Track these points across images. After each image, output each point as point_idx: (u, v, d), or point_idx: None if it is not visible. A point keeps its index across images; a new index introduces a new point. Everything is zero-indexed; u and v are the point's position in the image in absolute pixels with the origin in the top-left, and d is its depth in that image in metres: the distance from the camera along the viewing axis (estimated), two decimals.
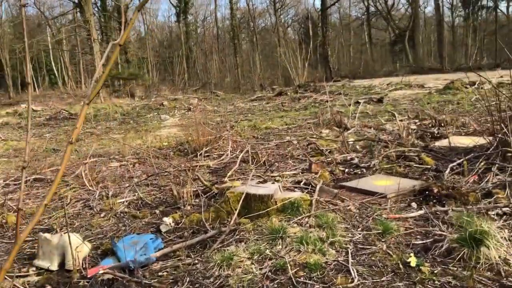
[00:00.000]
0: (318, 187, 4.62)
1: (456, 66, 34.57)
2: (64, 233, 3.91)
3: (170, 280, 3.40)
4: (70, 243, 3.62)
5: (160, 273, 3.56)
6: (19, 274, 3.70)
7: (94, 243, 4.25)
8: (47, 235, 4.00)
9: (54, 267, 3.76)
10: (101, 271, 3.39)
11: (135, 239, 4.04)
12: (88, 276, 3.51)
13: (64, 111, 16.72)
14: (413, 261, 3.14)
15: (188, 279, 3.34)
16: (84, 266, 3.67)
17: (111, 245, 4.00)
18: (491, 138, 5.81)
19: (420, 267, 3.10)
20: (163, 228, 4.48)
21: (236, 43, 37.49)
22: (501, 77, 15.99)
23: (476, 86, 14.99)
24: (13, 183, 6.63)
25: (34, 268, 3.80)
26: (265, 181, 4.73)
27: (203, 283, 3.25)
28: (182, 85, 30.52)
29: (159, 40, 50.02)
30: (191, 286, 3.25)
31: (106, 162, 7.72)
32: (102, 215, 5.12)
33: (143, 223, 4.76)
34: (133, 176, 6.59)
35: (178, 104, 19.20)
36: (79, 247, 3.78)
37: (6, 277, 3.55)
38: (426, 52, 48.81)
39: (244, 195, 4.29)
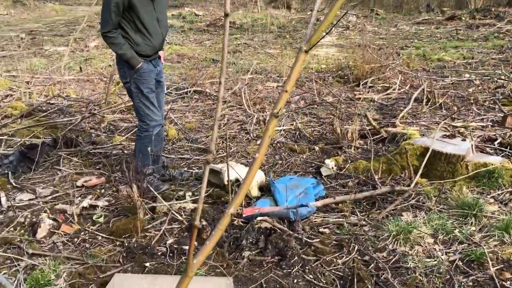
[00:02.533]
0: None
1: None
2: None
3: (334, 242, 2.95)
4: (227, 166, 3.35)
5: (321, 229, 3.14)
6: (176, 197, 3.60)
7: None
8: (212, 165, 3.80)
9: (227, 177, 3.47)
10: (259, 218, 3.07)
11: (295, 182, 3.64)
12: (244, 215, 3.24)
13: (223, 18, 16.80)
14: None
15: (355, 246, 2.86)
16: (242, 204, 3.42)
17: (269, 183, 3.67)
18: None
19: None
20: (324, 172, 4.00)
21: None
22: None
23: None
24: (175, 92, 6.69)
25: (190, 194, 3.67)
26: (453, 136, 3.87)
27: (374, 256, 2.74)
28: None
29: None
30: (359, 257, 2.77)
31: (263, 80, 7.39)
32: (258, 142, 4.83)
33: (301, 159, 4.35)
34: (290, 101, 6.16)
35: (335, 19, 17.98)
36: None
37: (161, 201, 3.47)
38: None
39: (429, 152, 3.53)
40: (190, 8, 19.90)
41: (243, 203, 3.45)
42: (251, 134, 5.02)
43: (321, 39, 1.34)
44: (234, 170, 3.51)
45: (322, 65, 8.72)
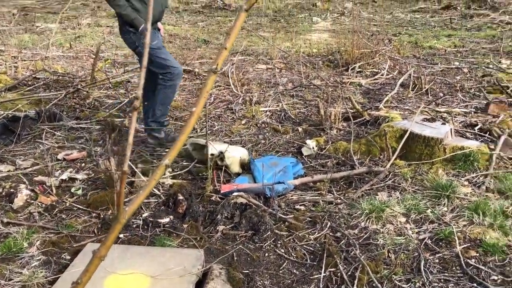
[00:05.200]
0: (502, 139, 3.67)
1: None
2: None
3: (308, 219, 2.99)
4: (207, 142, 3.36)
5: (297, 206, 3.17)
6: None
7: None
8: (193, 139, 3.86)
9: (212, 150, 3.53)
10: (235, 193, 3.10)
11: (274, 160, 3.67)
12: (221, 191, 3.27)
13: (219, 1, 16.67)
14: None
15: (328, 223, 2.90)
16: (220, 179, 3.44)
17: (249, 161, 3.69)
18: None
19: None
20: (305, 152, 4.03)
21: None
22: None
23: None
24: None
25: (170, 170, 3.69)
26: (433, 120, 3.90)
27: (346, 233, 2.78)
28: None
29: None
30: (331, 233, 2.81)
31: (253, 62, 7.38)
32: (243, 122, 4.85)
33: (284, 140, 4.37)
34: (278, 83, 6.16)
35: (332, 6, 17.89)
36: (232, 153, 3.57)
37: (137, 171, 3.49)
38: None
39: (407, 133, 3.56)
40: None
41: (222, 180, 3.48)
42: (237, 114, 5.02)
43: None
44: (213, 146, 3.53)
45: (313, 50, 8.70)
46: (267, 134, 4.54)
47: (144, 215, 3.04)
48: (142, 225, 2.93)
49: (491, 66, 7.18)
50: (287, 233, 2.83)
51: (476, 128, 4.26)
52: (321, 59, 7.78)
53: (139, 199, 1.34)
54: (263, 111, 5.10)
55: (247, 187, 3.27)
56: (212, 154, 3.47)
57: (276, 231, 2.83)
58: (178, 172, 3.63)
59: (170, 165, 3.69)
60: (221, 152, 3.55)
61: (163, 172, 1.35)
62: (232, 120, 4.90)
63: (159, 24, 3.97)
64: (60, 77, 6.01)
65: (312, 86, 6.02)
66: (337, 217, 2.98)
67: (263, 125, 4.77)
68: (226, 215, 2.97)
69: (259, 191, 3.20)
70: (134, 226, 2.93)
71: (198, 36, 9.95)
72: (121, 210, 1.32)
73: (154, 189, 3.35)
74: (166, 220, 2.97)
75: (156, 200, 3.25)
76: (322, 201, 3.20)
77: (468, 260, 2.48)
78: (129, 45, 3.89)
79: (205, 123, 4.46)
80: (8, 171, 3.59)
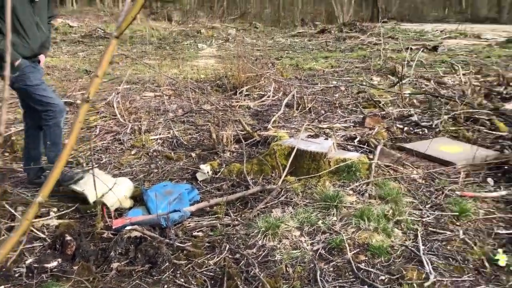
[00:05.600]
0: (379, 149, 4.01)
1: None
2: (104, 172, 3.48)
3: (206, 244, 2.96)
4: (94, 179, 3.17)
5: (194, 233, 3.13)
6: (39, 215, 3.33)
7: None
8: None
9: (91, 197, 3.35)
10: (129, 227, 2.97)
11: (168, 188, 3.59)
12: (113, 227, 3.11)
13: (99, 29, 16.14)
14: (502, 259, 2.58)
15: (227, 246, 2.89)
16: (111, 214, 3.27)
17: (141, 192, 3.57)
18: None
19: None
20: (200, 177, 4.01)
21: None
22: None
23: None
24: None
25: (55, 209, 3.43)
26: (316, 136, 4.14)
27: (244, 254, 2.80)
28: (221, 13, 29.25)
29: None
30: (230, 256, 2.81)
31: (140, 91, 7.23)
32: (133, 152, 4.70)
33: (178, 167, 4.31)
34: (168, 110, 6.09)
35: (216, 33, 18.30)
36: (117, 189, 3.38)
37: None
38: None
39: (294, 150, 3.73)
40: (64, 19, 18.77)
41: (114, 215, 3.31)
42: (125, 144, 4.85)
43: (129, 25, 1.34)
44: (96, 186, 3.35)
45: (201, 75, 8.79)
46: (159, 162, 4.45)
47: (28, 261, 2.77)
48: (26, 272, 2.66)
49: (364, 83, 7.87)
50: (186, 261, 2.77)
51: (356, 140, 4.62)
52: (209, 84, 7.88)
53: (11, 242, 1.22)
54: (154, 139, 5.00)
55: (141, 220, 3.14)
56: (94, 202, 3.31)
57: (175, 261, 2.75)
58: (64, 212, 3.38)
59: (52, 204, 3.46)
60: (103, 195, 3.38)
61: (36, 211, 1.25)
62: (121, 151, 4.72)
63: (41, 56, 3.72)
64: None
65: (202, 111, 6.06)
66: (235, 238, 3.00)
67: (154, 153, 4.66)
68: (120, 251, 2.82)
69: (154, 222, 3.10)
70: (17, 275, 2.65)
71: (79, 67, 9.51)
72: None
73: (39, 232, 3.08)
74: (54, 264, 2.73)
75: (42, 244, 2.98)
76: (220, 224, 3.19)
77: (358, 265, 2.63)
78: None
79: (90, 156, 4.23)
80: None
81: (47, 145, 3.70)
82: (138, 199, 3.59)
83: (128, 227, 2.97)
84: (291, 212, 3.25)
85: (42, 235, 3.06)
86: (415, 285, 2.42)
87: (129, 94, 6.84)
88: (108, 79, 7.88)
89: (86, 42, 14.20)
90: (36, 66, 3.65)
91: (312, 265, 2.66)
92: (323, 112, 5.96)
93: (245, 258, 2.75)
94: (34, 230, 3.07)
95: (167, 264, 2.71)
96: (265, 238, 2.94)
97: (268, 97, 6.84)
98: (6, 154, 4.52)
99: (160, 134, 5.15)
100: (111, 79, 7.99)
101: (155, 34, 15.93)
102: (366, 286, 2.46)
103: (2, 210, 3.28)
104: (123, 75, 8.18)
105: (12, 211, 3.19)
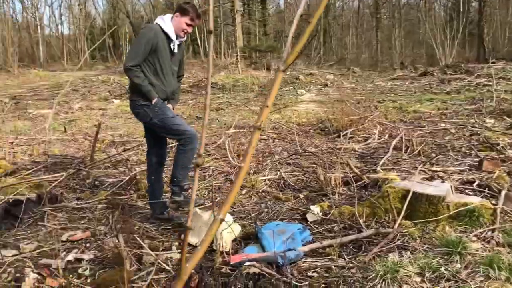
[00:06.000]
0: (503, 193, 3.75)
1: None
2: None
3: (323, 285, 2.95)
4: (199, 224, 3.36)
5: (309, 273, 3.13)
6: (163, 248, 3.58)
7: (238, 222, 3.99)
8: (198, 210, 3.84)
9: (194, 240, 3.58)
10: (247, 263, 3.07)
11: (281, 227, 3.67)
12: (231, 263, 3.23)
13: (205, 79, 17.29)
14: None
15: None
16: (228, 251, 3.41)
17: (255, 229, 3.68)
18: None
19: None
20: (310, 218, 4.04)
21: (379, 17, 35.42)
22: None
23: None
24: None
25: (177, 244, 3.66)
26: (432, 178, 4.00)
27: None
28: (317, 60, 29.83)
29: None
30: None
31: (246, 134, 7.55)
32: (243, 191, 4.88)
33: (287, 207, 4.39)
34: (273, 152, 6.28)
35: (314, 79, 18.64)
36: (229, 228, 3.53)
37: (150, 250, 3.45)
38: None
39: (410, 193, 3.63)
40: None
41: (231, 251, 3.45)
42: None
43: (295, 59, 1.46)
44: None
45: (302, 119, 8.97)
46: (269, 202, 4.57)
47: None
48: None
49: (476, 125, 7.46)
50: None
51: (475, 184, 4.36)
52: (311, 127, 8.01)
53: (198, 256, 1.36)
54: (262, 180, 5.16)
55: (258, 257, 3.23)
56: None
57: None
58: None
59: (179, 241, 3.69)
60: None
61: (218, 227, 1.39)
62: None
63: (170, 105, 4.10)
64: (59, 159, 6.06)
65: (307, 154, 6.15)
66: (351, 281, 2.95)
67: (263, 193, 4.80)
68: (239, 286, 2.91)
69: (270, 259, 3.16)
70: None
71: (190, 114, 10.22)
72: (183, 267, 1.34)
73: (164, 264, 3.30)
74: None
75: (166, 275, 3.18)
76: (334, 266, 3.17)
77: None
78: (141, 118, 3.98)
79: (209, 195, 4.48)
80: (12, 255, 3.52)
81: (177, 168, 3.99)
82: (252, 237, 3.71)
83: (247, 263, 3.06)
84: (409, 257, 3.13)
85: (167, 267, 3.27)
86: None
87: (237, 137, 7.18)
88: (217, 124, 8.37)
89: (194, 91, 15.24)
90: (167, 106, 4.04)
91: None
92: (434, 155, 5.73)
93: None
94: (160, 262, 3.29)
95: None
96: (383, 282, 2.85)
97: (373, 139, 6.76)
98: (131, 192, 4.95)
99: (268, 175, 5.31)
100: (219, 124, 8.47)
101: (256, 82, 16.65)
102: None
103: (130, 242, 3.58)
104: (230, 120, 8.63)
105: (141, 242, 3.46)
